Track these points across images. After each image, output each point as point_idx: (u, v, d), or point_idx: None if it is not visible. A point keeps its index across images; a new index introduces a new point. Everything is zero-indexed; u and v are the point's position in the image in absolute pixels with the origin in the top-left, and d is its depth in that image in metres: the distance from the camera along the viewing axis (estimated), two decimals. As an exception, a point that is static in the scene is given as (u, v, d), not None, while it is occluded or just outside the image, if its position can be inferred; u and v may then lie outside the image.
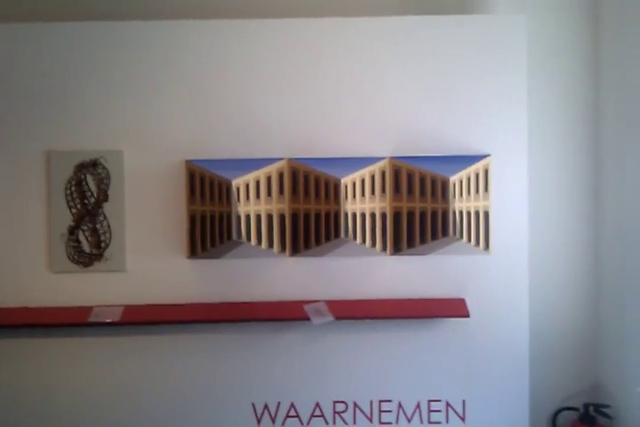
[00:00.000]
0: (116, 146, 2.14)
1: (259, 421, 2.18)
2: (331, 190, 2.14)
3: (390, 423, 2.19)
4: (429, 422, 2.19)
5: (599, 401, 2.29)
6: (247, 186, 2.12)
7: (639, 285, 2.08)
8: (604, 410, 2.22)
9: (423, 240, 2.15)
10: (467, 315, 2.13)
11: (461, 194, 2.14)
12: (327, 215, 2.14)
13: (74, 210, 2.13)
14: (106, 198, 2.14)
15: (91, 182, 2.13)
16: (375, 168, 2.15)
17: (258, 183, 2.12)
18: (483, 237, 2.16)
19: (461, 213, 2.14)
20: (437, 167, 2.14)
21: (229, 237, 2.11)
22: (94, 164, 2.13)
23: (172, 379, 2.16)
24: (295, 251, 2.15)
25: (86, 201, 2.13)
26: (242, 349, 2.17)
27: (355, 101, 2.15)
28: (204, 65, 2.14)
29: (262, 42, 2.14)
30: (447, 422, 2.19)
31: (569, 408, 2.31)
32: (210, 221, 2.12)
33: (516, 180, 2.17)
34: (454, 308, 2.15)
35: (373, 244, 2.16)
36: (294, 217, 2.14)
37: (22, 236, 2.13)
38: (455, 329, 2.18)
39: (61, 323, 2.09)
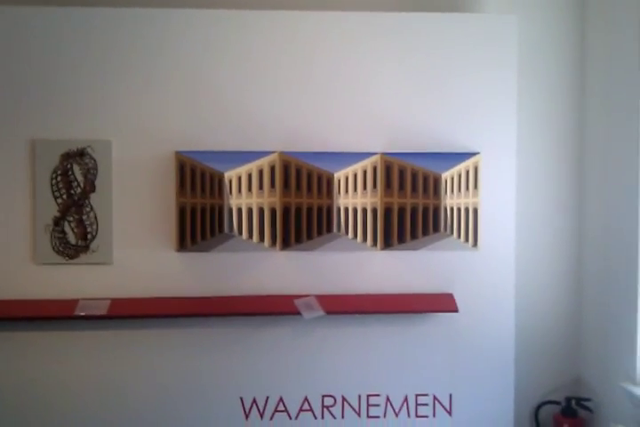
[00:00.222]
0: (103, 135, 2.09)
1: (247, 416, 2.16)
2: (323, 185, 2.13)
3: (378, 417, 2.20)
4: (417, 416, 2.21)
5: (580, 395, 2.34)
6: (239, 179, 2.10)
7: (620, 283, 2.14)
8: (585, 403, 2.28)
9: (414, 236, 2.17)
10: (455, 310, 2.15)
11: (452, 191, 2.16)
12: (319, 209, 2.14)
13: (59, 200, 2.07)
14: (93, 189, 2.09)
15: (77, 172, 2.08)
16: (367, 163, 2.15)
17: (250, 176, 2.10)
18: (472, 234, 2.18)
19: (452, 209, 2.16)
20: (428, 164, 2.15)
21: (220, 230, 2.09)
22: (81, 153, 2.08)
23: (159, 373, 2.12)
24: (286, 245, 2.14)
25: (72, 191, 2.08)
26: (230, 343, 2.15)
27: (347, 96, 2.15)
28: (196, 54, 2.10)
29: (256, 33, 2.11)
30: (434, 416, 2.21)
31: (551, 402, 2.36)
32: (200, 214, 2.09)
33: (504, 178, 2.20)
34: (443, 303, 2.18)
35: (364, 239, 2.17)
36: (286, 211, 2.13)
37: (6, 226, 2.06)
38: (442, 324, 2.20)
39: (46, 316, 2.03)
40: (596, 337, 2.30)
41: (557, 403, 2.34)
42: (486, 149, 2.18)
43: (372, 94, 2.16)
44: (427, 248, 2.17)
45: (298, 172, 2.13)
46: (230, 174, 2.08)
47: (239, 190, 2.10)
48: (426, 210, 2.16)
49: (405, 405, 2.20)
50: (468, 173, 2.17)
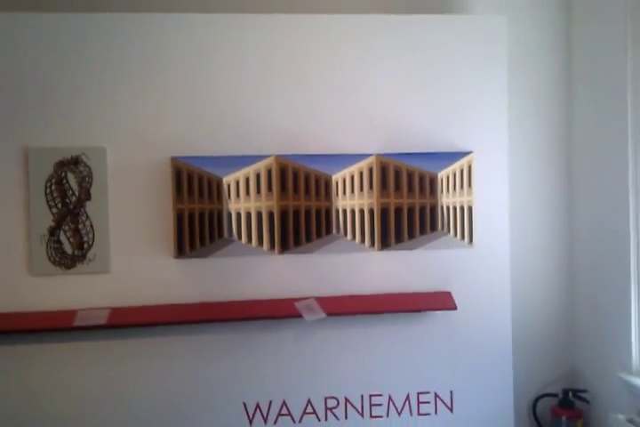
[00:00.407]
0: (98, 142, 2.06)
1: (251, 421, 2.15)
2: (321, 187, 2.13)
3: (381, 417, 2.22)
4: (419, 415, 2.23)
5: (577, 387, 2.40)
6: (237, 183, 2.09)
7: (610, 278, 2.20)
8: (582, 395, 2.33)
9: (411, 235, 2.19)
10: (454, 307, 2.18)
11: (448, 190, 2.19)
12: (317, 212, 2.14)
13: (54, 210, 2.04)
14: (88, 197, 2.05)
15: (72, 180, 2.04)
16: (363, 165, 2.16)
17: (247, 180, 2.10)
18: (467, 232, 2.21)
19: (447, 208, 2.19)
20: (423, 164, 2.17)
21: (220, 235, 2.08)
22: (75, 161, 2.04)
23: (162, 381, 2.10)
24: (285, 248, 2.14)
25: (67, 200, 2.04)
26: (232, 348, 2.14)
27: (341, 99, 2.16)
28: (190, 59, 2.08)
29: (251, 37, 2.10)
30: (436, 413, 2.23)
31: (549, 394, 2.41)
32: (199, 220, 2.08)
33: (497, 176, 2.24)
34: (442, 301, 2.20)
35: (362, 240, 2.18)
36: (283, 214, 2.13)
37: (0, 238, 2.02)
38: (441, 322, 2.22)
39: (44, 328, 1.99)
40: (590, 330, 2.36)
41: (555, 395, 2.39)
42: (479, 149, 2.21)
43: (365, 96, 2.17)
44: (423, 247, 2.19)
45: (295, 174, 2.13)
46: (228, 179, 2.07)
47: (237, 195, 2.09)
48: (422, 209, 2.18)
49: (407, 403, 2.22)
50: (462, 171, 2.20)
